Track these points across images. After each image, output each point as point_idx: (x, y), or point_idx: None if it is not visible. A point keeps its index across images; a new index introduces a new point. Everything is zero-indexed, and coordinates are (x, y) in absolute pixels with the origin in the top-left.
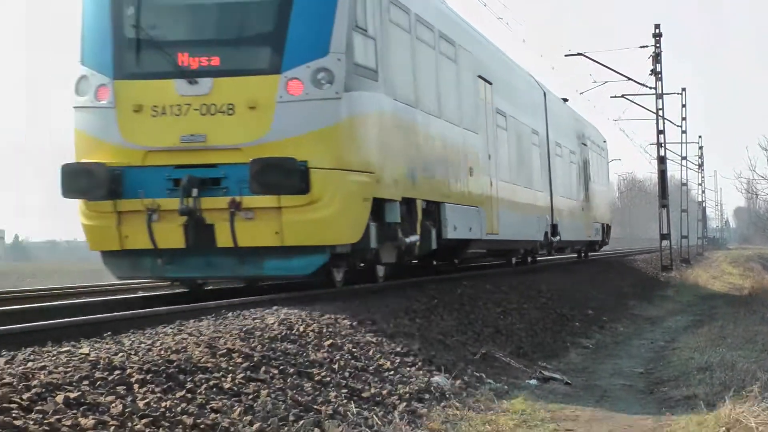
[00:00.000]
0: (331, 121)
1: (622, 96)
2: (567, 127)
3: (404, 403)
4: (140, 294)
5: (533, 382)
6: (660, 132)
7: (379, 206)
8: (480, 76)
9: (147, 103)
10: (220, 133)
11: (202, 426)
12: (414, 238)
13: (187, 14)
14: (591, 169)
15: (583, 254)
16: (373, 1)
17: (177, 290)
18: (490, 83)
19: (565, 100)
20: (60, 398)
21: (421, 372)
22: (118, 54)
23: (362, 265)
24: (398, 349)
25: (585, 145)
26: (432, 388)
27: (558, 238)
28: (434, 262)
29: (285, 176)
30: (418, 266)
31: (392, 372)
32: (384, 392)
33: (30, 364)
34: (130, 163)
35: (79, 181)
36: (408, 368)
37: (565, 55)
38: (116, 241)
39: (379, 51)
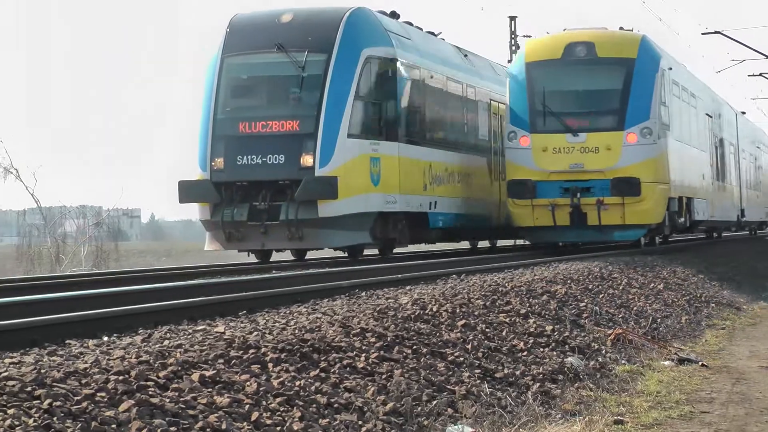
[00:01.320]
0: (651, 155)
1: (761, 74)
2: (747, 136)
3: (537, 384)
4: (274, 273)
5: (668, 363)
6: None
7: (669, 202)
8: (706, 114)
9: (550, 146)
10: (591, 162)
11: (335, 405)
12: (682, 220)
13: (571, 97)
14: (764, 165)
15: (755, 231)
16: (667, 85)
17: (305, 270)
18: (711, 117)
19: (743, 113)
20: (196, 376)
21: (554, 353)
22: (533, 119)
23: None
24: (531, 329)
25: (759, 148)
26: (566, 369)
27: (744, 218)
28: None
29: (629, 187)
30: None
31: (525, 352)
32: (517, 373)
33: (166, 342)
34: (540, 179)
35: (518, 188)
36: (541, 349)
37: (702, 33)
38: (531, 221)
39: (670, 113)
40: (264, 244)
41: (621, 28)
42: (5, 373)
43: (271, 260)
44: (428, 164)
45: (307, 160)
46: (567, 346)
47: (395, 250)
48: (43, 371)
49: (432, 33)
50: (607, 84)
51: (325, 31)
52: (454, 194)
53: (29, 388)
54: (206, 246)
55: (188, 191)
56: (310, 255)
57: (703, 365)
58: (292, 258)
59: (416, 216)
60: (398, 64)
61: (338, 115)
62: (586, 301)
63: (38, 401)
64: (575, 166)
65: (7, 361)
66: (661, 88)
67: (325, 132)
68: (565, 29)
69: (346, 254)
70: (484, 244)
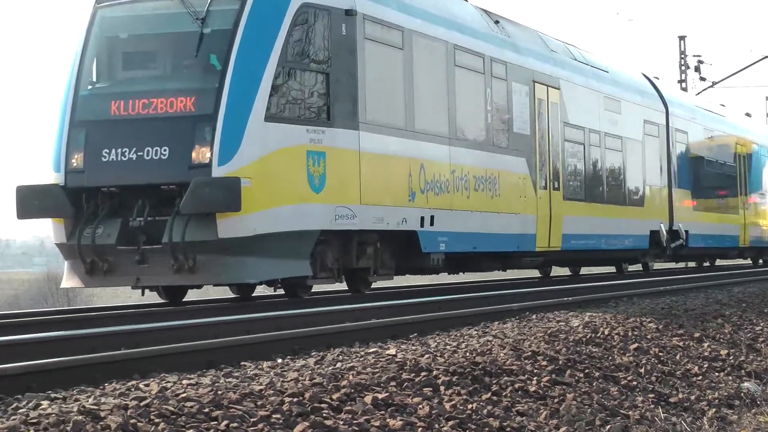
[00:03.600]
0: None
1: None
2: None
3: (713, 409)
4: (444, 297)
5: None
6: None
7: None
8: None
9: None
10: None
11: (508, 429)
12: None
13: None
14: None
15: None
16: None
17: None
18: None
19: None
20: (369, 399)
21: (730, 377)
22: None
23: None
24: (706, 353)
25: None
26: (742, 394)
27: None
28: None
29: None
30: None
31: (700, 377)
32: (692, 398)
33: (339, 364)
34: None
35: None
36: (716, 373)
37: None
38: None
39: None
40: (139, 279)
41: None
42: (184, 395)
43: (184, 301)
44: (419, 164)
45: (201, 153)
46: (743, 371)
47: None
48: (219, 392)
49: None
50: None
51: None
52: (466, 206)
53: (207, 410)
54: (63, 282)
55: (29, 201)
56: None
57: None
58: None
59: (400, 237)
60: (360, 18)
61: (251, 87)
62: (762, 324)
63: (215, 422)
64: None
65: (185, 382)
66: None
67: (228, 112)
68: None
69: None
70: (512, 273)
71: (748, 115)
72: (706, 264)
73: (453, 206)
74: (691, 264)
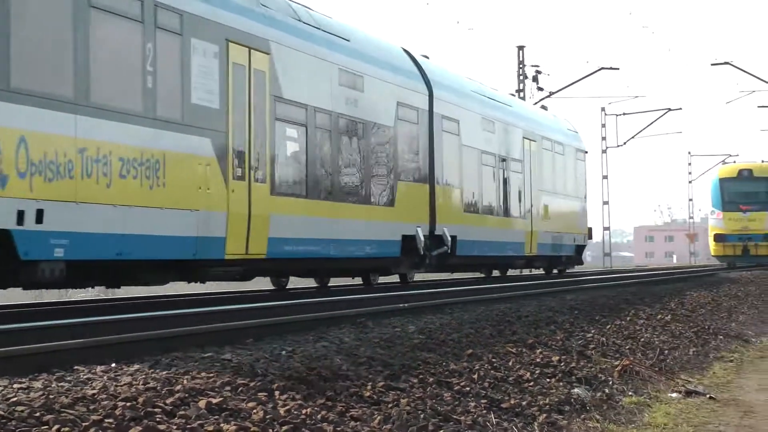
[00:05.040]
0: None
1: None
2: None
3: (544, 415)
4: (279, 302)
5: (675, 395)
6: None
7: None
8: None
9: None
10: (752, 226)
11: None
12: None
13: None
14: None
15: None
16: None
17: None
18: None
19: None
20: (203, 403)
21: (561, 383)
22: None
23: None
24: (538, 359)
25: None
26: (572, 399)
27: None
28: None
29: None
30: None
31: (532, 383)
32: (524, 403)
33: (174, 369)
34: (726, 233)
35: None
36: (548, 379)
37: (712, 65)
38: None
39: None
40: None
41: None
42: (14, 398)
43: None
44: (15, 135)
45: None
46: (573, 377)
47: None
48: (51, 397)
49: None
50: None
51: None
52: (106, 199)
53: (38, 414)
54: None
55: None
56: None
57: (711, 398)
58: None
59: None
60: None
61: None
62: (593, 331)
63: (46, 427)
64: (744, 228)
65: (15, 386)
66: None
67: None
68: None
69: None
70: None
71: (544, 107)
72: (481, 275)
73: (80, 198)
74: (479, 275)
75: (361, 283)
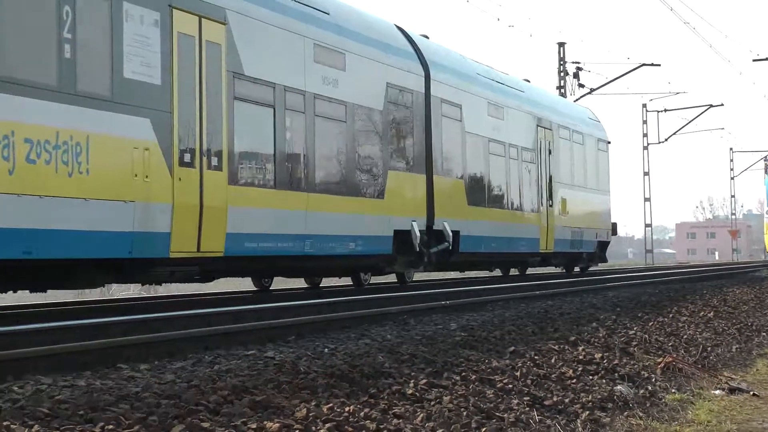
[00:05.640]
0: None
1: None
2: None
3: (587, 412)
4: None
5: (718, 392)
6: None
7: None
8: None
9: None
10: None
11: (384, 431)
12: None
13: None
14: None
15: None
16: None
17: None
18: None
19: None
20: (246, 401)
21: (603, 381)
22: None
23: None
24: (580, 357)
25: None
26: (615, 397)
27: None
28: None
29: None
30: None
31: (574, 380)
32: (566, 400)
33: (217, 366)
34: None
35: None
36: (590, 376)
37: (753, 60)
38: None
39: None
40: None
41: None
42: (59, 396)
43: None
44: None
45: None
46: (616, 374)
47: None
48: (95, 395)
49: None
50: None
51: None
52: (5, 188)
53: (82, 412)
54: None
55: None
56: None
57: (754, 395)
58: None
59: None
60: None
61: None
62: (635, 328)
63: (90, 425)
64: None
65: (60, 384)
66: None
67: None
68: None
69: None
70: None
71: (562, 95)
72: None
73: None
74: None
75: (351, 283)
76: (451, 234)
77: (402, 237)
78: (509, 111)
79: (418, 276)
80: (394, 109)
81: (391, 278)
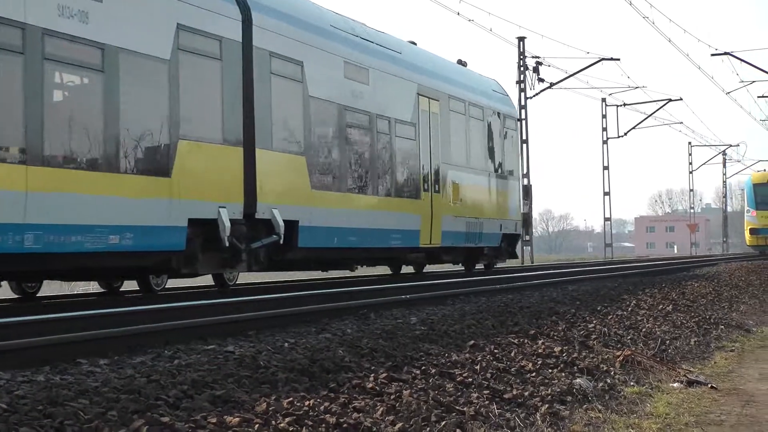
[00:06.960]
0: None
1: None
2: None
3: (546, 405)
4: (282, 294)
5: (677, 385)
6: None
7: None
8: None
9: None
10: None
11: (344, 425)
12: None
13: None
14: None
15: None
16: None
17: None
18: None
19: None
20: (206, 395)
21: (563, 374)
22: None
23: None
24: (540, 350)
25: None
26: (574, 390)
27: None
28: None
29: None
30: None
31: (534, 373)
32: (526, 394)
33: (177, 361)
34: (759, 227)
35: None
36: (550, 370)
37: (712, 55)
38: (756, 243)
39: None
40: None
41: None
42: (18, 392)
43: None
44: None
45: None
46: (575, 368)
47: None
48: (54, 390)
49: None
50: None
51: None
52: None
53: (41, 407)
54: None
55: None
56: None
57: (712, 387)
58: None
59: None
60: None
61: None
62: (594, 322)
63: (50, 420)
64: None
65: (19, 379)
66: None
67: None
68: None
69: None
70: None
71: (462, 63)
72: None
73: None
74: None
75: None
76: (282, 225)
77: (202, 228)
78: (377, 74)
79: (376, 271)
80: (189, 59)
81: (344, 273)
